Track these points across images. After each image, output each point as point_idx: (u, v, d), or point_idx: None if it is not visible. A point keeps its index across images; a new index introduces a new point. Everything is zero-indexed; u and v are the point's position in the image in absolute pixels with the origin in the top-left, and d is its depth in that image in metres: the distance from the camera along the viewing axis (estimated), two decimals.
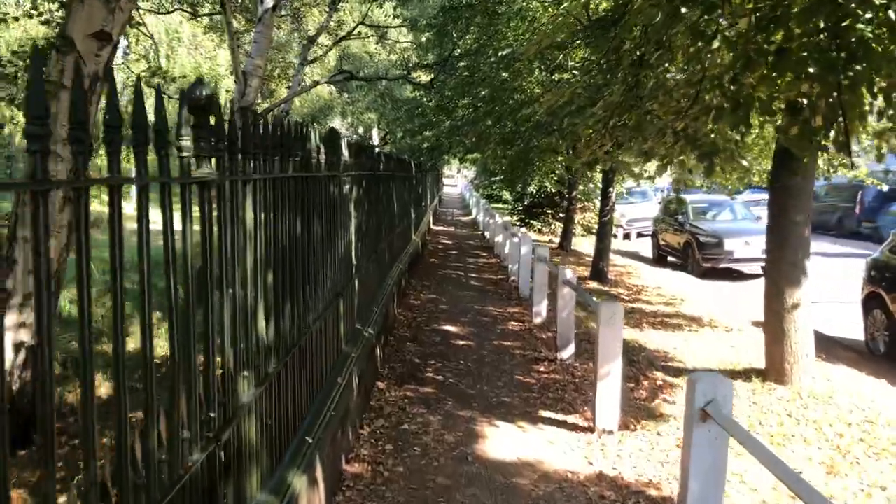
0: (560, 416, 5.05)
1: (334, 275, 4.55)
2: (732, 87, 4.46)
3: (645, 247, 20.19)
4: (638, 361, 6.72)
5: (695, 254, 15.01)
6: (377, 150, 8.23)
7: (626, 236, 23.19)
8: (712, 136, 4.81)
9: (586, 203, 21.15)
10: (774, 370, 6.01)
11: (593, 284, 11.70)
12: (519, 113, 10.75)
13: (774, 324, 5.99)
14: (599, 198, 23.30)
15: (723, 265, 14.75)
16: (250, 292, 2.66)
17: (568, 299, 6.41)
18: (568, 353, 6.40)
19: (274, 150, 3.04)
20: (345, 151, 5.06)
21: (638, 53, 5.82)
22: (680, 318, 9.39)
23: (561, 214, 21.61)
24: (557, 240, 20.06)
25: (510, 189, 27.74)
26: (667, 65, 5.34)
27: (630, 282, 12.63)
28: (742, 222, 16.02)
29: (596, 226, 21.95)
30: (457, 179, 71.36)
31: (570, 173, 16.17)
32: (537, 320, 8.17)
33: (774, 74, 4.09)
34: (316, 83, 10.22)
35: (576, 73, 10.73)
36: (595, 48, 7.18)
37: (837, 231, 23.49)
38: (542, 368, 6.27)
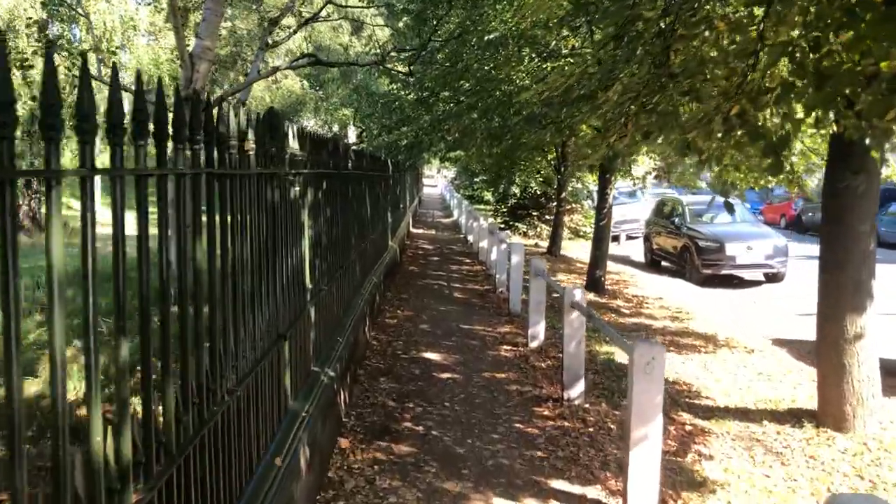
0: (577, 489, 3.87)
1: (275, 310, 3.33)
2: (812, 56, 3.32)
3: (635, 250, 19.20)
4: None
5: (693, 259, 13.98)
6: (346, 145, 7.03)
7: (615, 239, 22.14)
8: (776, 121, 3.69)
9: (573, 205, 20.07)
10: (831, 414, 4.90)
11: (590, 296, 10.56)
12: (508, 105, 9.58)
13: (831, 356, 4.87)
14: (591, 199, 22.26)
15: (724, 272, 13.74)
16: (78, 372, 1.44)
17: (577, 327, 5.24)
18: (577, 391, 5.24)
19: (141, 129, 1.83)
20: (293, 143, 3.84)
21: (663, 23, 4.67)
22: (692, 337, 8.28)
23: (547, 217, 20.55)
24: (543, 243, 18.98)
25: (492, 189, 26.63)
26: (706, 33, 4.18)
27: (628, 292, 11.53)
28: (742, 225, 15.01)
29: (584, 228, 20.95)
30: (436, 180, 70.18)
31: (560, 173, 15.06)
32: (534, 344, 7.00)
33: (883, 34, 2.95)
34: (276, 69, 8.93)
35: (571, 60, 9.64)
36: (607, 19, 6.04)
37: None
38: (546, 412, 5.09)
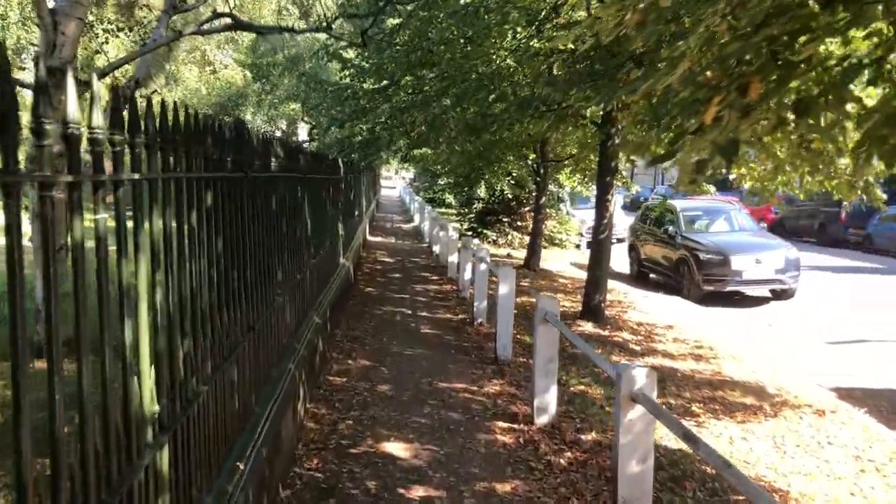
0: None
1: None
2: None
3: (616, 260, 17.39)
4: None
5: (693, 274, 12.15)
6: (267, 137, 4.86)
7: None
8: None
9: (549, 210, 18.13)
10: None
11: (588, 326, 8.59)
12: (489, 90, 7.52)
13: None
14: (563, 203, 20.26)
15: (729, 289, 11.95)
16: None
17: (640, 432, 3.18)
18: None
19: None
20: (76, 112, 1.69)
21: None
22: (737, 390, 6.35)
23: (519, 223, 18.62)
24: (516, 253, 17.02)
25: (455, 192, 24.58)
26: None
27: (629, 318, 9.58)
28: (746, 234, 13.27)
29: (559, 236, 19.01)
30: (395, 181, 67.95)
31: (539, 175, 13.08)
32: (542, 419, 4.93)
33: None
34: (179, 34, 6.66)
35: (563, 33, 7.66)
36: None
37: (819, 238, 21.25)
38: None
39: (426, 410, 5.16)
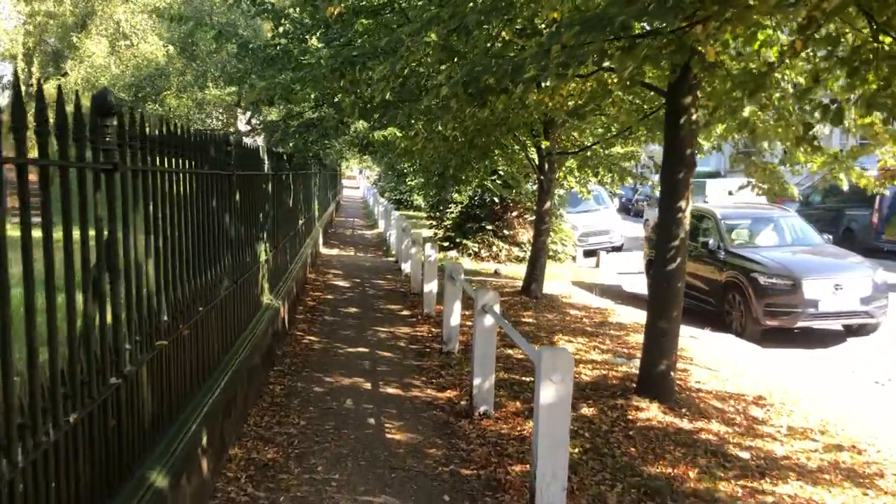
0: None
1: None
2: None
3: (618, 275, 14.51)
4: None
5: (750, 304, 9.07)
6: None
7: (589, 255, 17.24)
8: None
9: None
10: None
11: (653, 410, 5.39)
12: (504, 19, 4.25)
13: None
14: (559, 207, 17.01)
15: (800, 324, 8.93)
16: None
17: None
18: None
19: None
20: None
21: None
22: None
23: (505, 231, 15.42)
24: (505, 269, 13.83)
25: (425, 194, 21.26)
26: None
27: (700, 385, 6.38)
28: (809, 249, 10.23)
29: (553, 247, 15.81)
30: (359, 180, 64.24)
31: (542, 172, 9.86)
32: None
33: None
34: None
35: None
36: None
37: (845, 246, 18.44)
38: None
39: None
